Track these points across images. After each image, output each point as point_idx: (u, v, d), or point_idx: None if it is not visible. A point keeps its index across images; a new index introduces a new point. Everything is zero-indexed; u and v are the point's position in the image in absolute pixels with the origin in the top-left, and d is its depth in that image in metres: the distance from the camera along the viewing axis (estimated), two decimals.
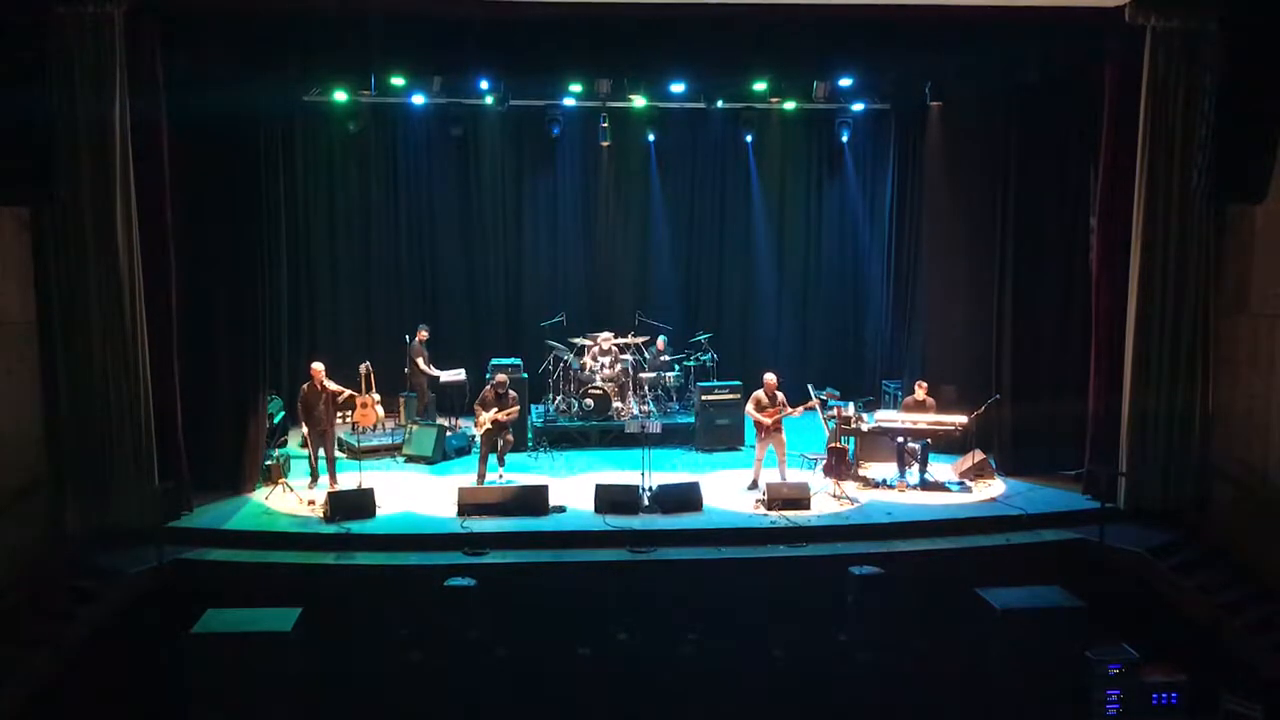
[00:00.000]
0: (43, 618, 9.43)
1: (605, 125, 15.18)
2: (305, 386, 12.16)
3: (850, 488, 12.32)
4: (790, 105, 15.75)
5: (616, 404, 14.50)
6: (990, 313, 13.28)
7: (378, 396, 13.86)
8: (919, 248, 15.16)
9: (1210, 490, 11.39)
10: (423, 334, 14.76)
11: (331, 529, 11.02)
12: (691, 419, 14.59)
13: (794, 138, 16.59)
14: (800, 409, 12.53)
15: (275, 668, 8.83)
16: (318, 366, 12.27)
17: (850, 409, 13.00)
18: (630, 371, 14.91)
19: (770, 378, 12.52)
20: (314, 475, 12.20)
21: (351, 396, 12.93)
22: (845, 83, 14.36)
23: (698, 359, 15.42)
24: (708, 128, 16.32)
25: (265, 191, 12.77)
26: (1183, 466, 11.46)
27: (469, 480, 12.28)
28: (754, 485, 12.40)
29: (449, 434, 13.95)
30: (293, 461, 13.04)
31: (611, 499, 11.65)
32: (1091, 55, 11.77)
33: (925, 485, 12.42)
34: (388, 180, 15.95)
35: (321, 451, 12.20)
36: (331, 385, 12.20)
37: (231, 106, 11.57)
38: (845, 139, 16.12)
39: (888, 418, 12.95)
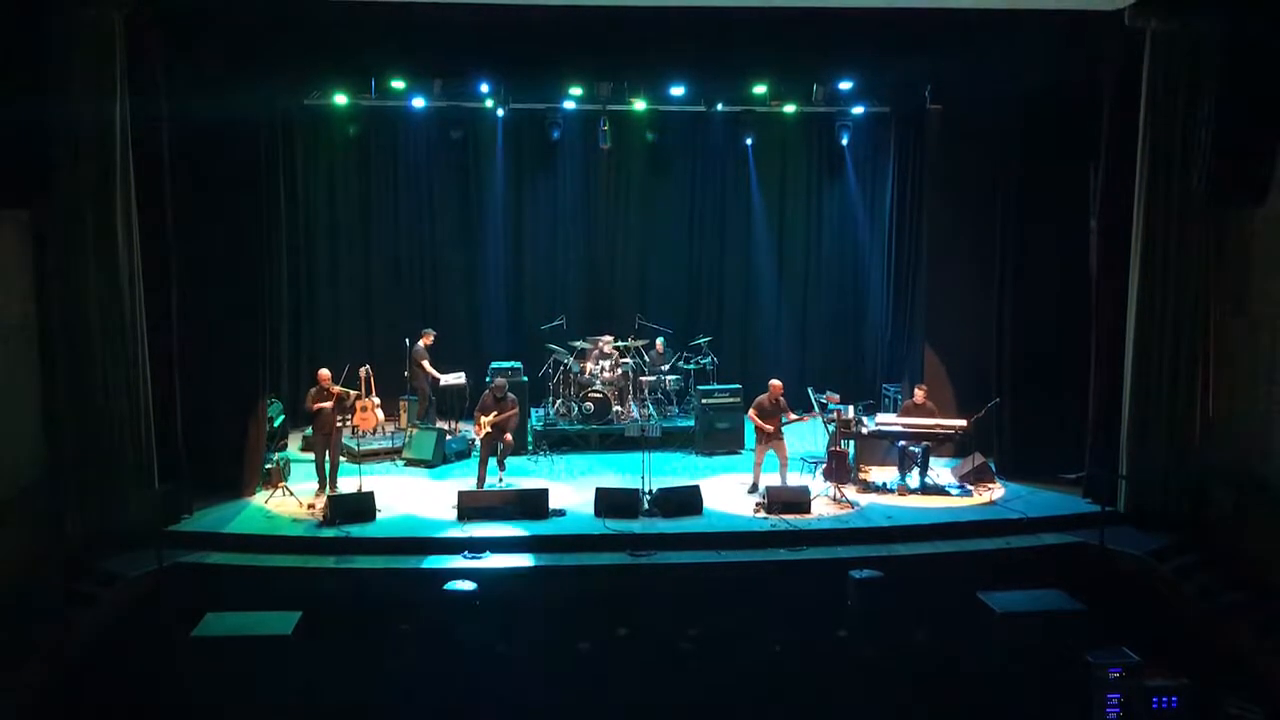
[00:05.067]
0: (42, 621, 9.42)
1: (605, 128, 15.17)
2: (313, 391, 12.16)
3: (850, 491, 12.33)
4: (790, 108, 15.76)
5: (616, 407, 14.50)
6: (990, 315, 13.29)
7: (378, 400, 13.86)
8: (919, 250, 15.15)
9: (1210, 493, 11.38)
10: (428, 338, 14.74)
11: (331, 532, 11.03)
12: (691, 422, 14.59)
13: (794, 141, 16.58)
14: (807, 417, 12.55)
15: (275, 671, 8.80)
16: (324, 372, 12.29)
17: (850, 412, 13.00)
18: (630, 375, 14.90)
19: (776, 383, 12.51)
20: (321, 483, 12.15)
21: (358, 396, 12.93)
22: (845, 86, 14.38)
23: (698, 362, 15.42)
24: (708, 131, 16.31)
25: (265, 195, 12.79)
26: (1183, 469, 11.47)
27: (469, 484, 12.28)
28: (754, 489, 12.40)
29: (449, 438, 13.95)
30: (293, 465, 13.04)
31: (611, 502, 11.65)
32: (1092, 58, 11.78)
33: (925, 489, 12.42)
34: (388, 183, 15.93)
35: (327, 455, 12.19)
36: (337, 388, 12.20)
37: (232, 109, 11.59)
38: (845, 142, 16.11)
39: (888, 421, 12.95)
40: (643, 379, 15.02)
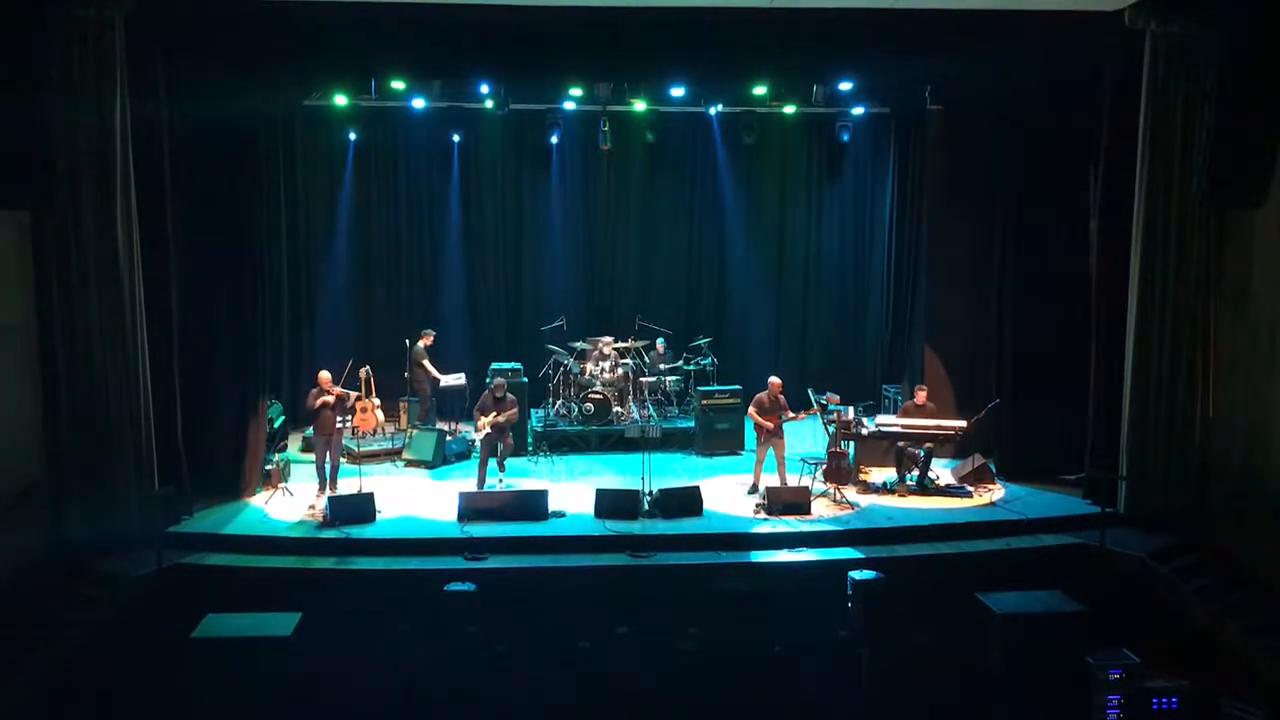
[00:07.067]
0: (42, 622, 9.42)
1: (605, 129, 15.13)
2: (313, 391, 12.14)
3: (850, 492, 12.33)
4: (790, 109, 15.75)
5: (616, 408, 14.49)
6: (990, 316, 13.29)
7: (378, 401, 13.85)
8: (919, 251, 15.16)
9: (1210, 494, 11.38)
10: (428, 338, 14.73)
11: (331, 534, 11.02)
12: (691, 423, 14.59)
13: (794, 141, 16.55)
14: (803, 414, 12.53)
15: (275, 672, 8.81)
16: (325, 373, 12.29)
17: (850, 413, 12.99)
18: (630, 376, 14.90)
19: (775, 381, 12.52)
20: (322, 483, 12.15)
21: (358, 398, 12.93)
22: (845, 86, 14.36)
23: (698, 363, 15.42)
24: (708, 131, 16.30)
25: (265, 196, 12.78)
26: (1183, 470, 11.48)
27: (469, 485, 12.28)
28: (754, 489, 12.40)
29: (449, 439, 13.95)
30: (293, 466, 13.04)
31: (611, 504, 11.65)
32: (1091, 59, 11.78)
33: (925, 490, 12.41)
34: (388, 184, 15.93)
35: (327, 456, 12.18)
36: (338, 389, 12.20)
37: (232, 110, 11.61)
38: (845, 142, 16.10)
39: (888, 422, 12.94)
40: (643, 380, 15.01)
